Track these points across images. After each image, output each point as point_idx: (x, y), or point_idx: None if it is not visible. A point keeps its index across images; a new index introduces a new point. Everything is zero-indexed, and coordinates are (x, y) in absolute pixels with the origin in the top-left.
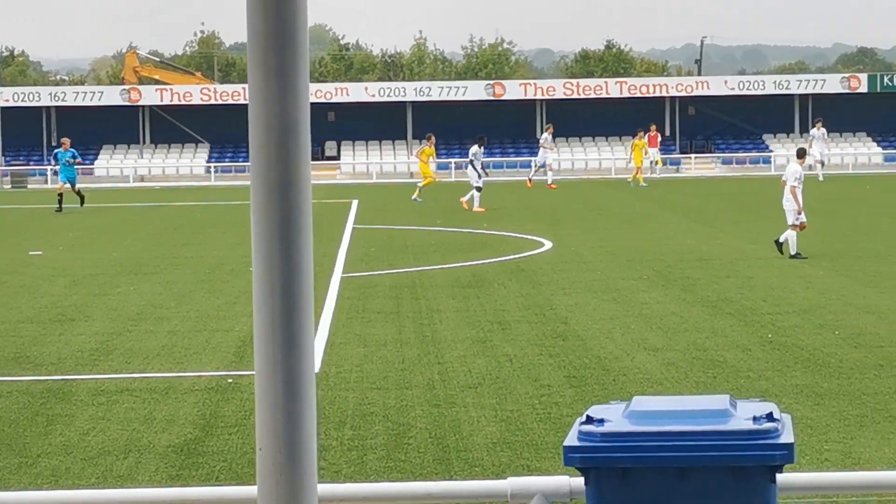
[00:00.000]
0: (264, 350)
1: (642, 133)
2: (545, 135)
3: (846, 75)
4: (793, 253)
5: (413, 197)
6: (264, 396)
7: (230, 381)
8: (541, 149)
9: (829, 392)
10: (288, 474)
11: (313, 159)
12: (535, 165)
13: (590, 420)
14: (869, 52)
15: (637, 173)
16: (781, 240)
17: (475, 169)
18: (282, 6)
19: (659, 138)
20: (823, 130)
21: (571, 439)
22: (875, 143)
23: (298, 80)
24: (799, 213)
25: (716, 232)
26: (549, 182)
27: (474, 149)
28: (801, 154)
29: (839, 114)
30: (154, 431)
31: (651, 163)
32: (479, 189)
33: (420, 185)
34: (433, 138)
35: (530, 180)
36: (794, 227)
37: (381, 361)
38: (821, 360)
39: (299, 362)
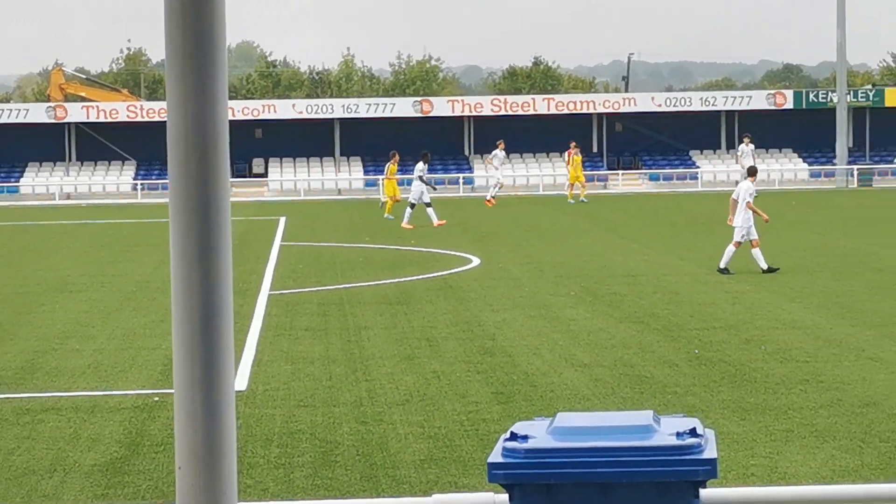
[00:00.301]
0: (183, 369)
1: (579, 148)
2: (497, 151)
3: (772, 92)
4: (722, 266)
5: (386, 216)
6: (183, 415)
7: (156, 399)
8: (491, 166)
9: (755, 407)
10: (207, 493)
11: (241, 176)
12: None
13: (514, 436)
14: (795, 69)
15: (573, 189)
16: (760, 262)
17: (422, 184)
18: (200, 24)
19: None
20: (752, 146)
21: (496, 456)
22: (801, 159)
23: (217, 99)
24: (747, 230)
25: (643, 248)
26: (489, 197)
27: (420, 165)
28: (753, 172)
29: (765, 130)
30: (80, 450)
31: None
32: (427, 205)
33: (384, 200)
34: (397, 156)
35: (491, 199)
36: (737, 244)
37: (308, 379)
38: (747, 376)
39: (218, 382)
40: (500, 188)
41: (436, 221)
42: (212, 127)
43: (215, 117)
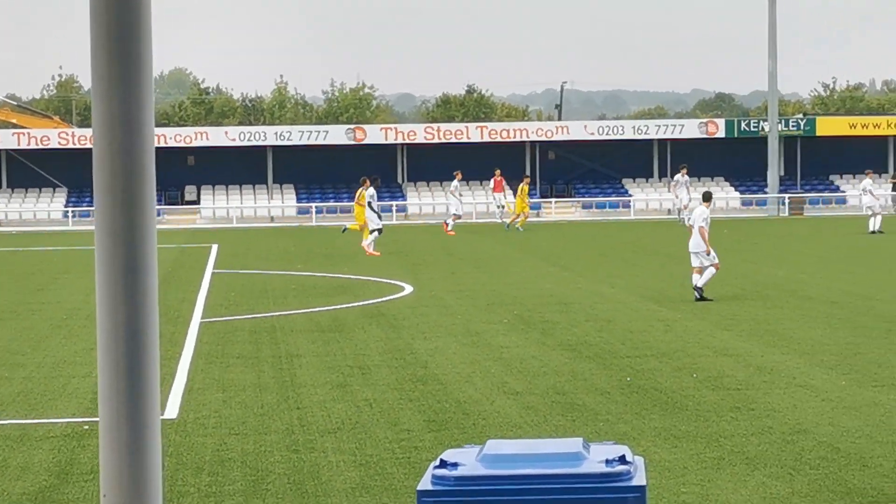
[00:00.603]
0: (108, 396)
1: (528, 178)
2: (455, 182)
3: (704, 121)
4: (697, 286)
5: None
6: (108, 443)
7: (86, 427)
8: (450, 194)
9: (686, 434)
10: None
11: (173, 204)
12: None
13: (443, 464)
14: (727, 98)
15: (515, 218)
16: (700, 284)
17: (373, 211)
18: (126, 50)
19: (503, 183)
20: (687, 177)
21: (425, 483)
22: (733, 188)
23: (144, 126)
24: (708, 254)
25: (575, 276)
26: (450, 225)
27: (370, 191)
28: (708, 197)
29: (697, 159)
30: (8, 479)
31: (498, 207)
32: (379, 231)
33: (348, 226)
34: (368, 181)
35: (446, 224)
36: (714, 265)
37: (239, 407)
38: (679, 403)
39: (144, 408)
40: (456, 218)
41: (371, 250)
42: (138, 153)
43: (141, 143)
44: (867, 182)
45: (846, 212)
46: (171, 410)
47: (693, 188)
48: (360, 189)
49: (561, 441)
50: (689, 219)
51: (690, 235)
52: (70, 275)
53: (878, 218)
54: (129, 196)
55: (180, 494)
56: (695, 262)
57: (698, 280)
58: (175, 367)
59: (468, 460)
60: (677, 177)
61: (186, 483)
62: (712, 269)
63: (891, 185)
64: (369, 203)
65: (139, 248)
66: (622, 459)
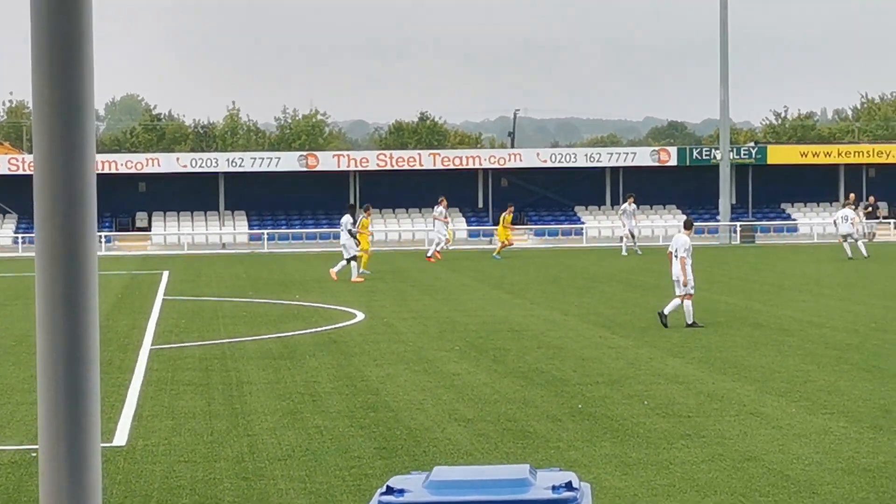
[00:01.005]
0: (47, 423)
1: (511, 207)
2: (439, 208)
3: (657, 149)
4: (689, 322)
5: (361, 271)
6: (47, 471)
7: (34, 454)
8: (436, 221)
9: (637, 462)
10: None
11: (124, 230)
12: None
13: (390, 490)
14: (679, 126)
15: (502, 247)
16: (666, 311)
17: (352, 237)
18: (68, 77)
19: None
20: (634, 206)
21: None
22: (685, 216)
23: (85, 152)
24: (685, 284)
25: (527, 303)
26: (429, 254)
27: (346, 217)
28: (689, 225)
29: (650, 186)
30: None
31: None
32: (354, 259)
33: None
34: (371, 208)
35: (436, 254)
36: (688, 296)
37: (189, 434)
38: (629, 430)
39: (83, 435)
40: (442, 244)
41: (336, 275)
42: (79, 179)
43: (83, 170)
44: (847, 211)
45: (797, 240)
46: (120, 437)
47: (645, 216)
48: (363, 216)
49: (508, 467)
50: (671, 246)
51: (671, 264)
52: (19, 301)
53: (860, 243)
54: (69, 222)
55: None
56: (683, 289)
57: (686, 309)
58: (124, 394)
59: (415, 487)
60: (624, 206)
61: None
62: (683, 300)
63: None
64: (349, 230)
65: (80, 274)
66: (569, 486)
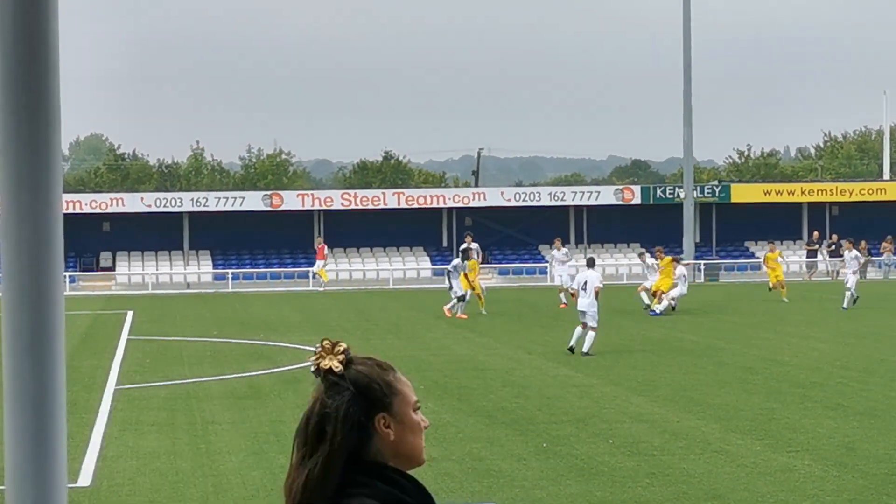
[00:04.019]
0: (13, 464)
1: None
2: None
3: (620, 187)
4: (585, 351)
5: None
6: None
7: None
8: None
9: (602, 500)
10: None
11: (88, 270)
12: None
13: None
14: (643, 165)
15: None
16: (586, 349)
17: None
18: (34, 116)
19: (325, 250)
20: (565, 249)
21: None
22: (649, 255)
23: (52, 192)
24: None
25: (492, 342)
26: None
27: (455, 261)
28: (591, 263)
29: (614, 225)
30: None
31: (311, 274)
32: (462, 299)
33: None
34: (481, 252)
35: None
36: (592, 328)
37: (154, 474)
38: (595, 469)
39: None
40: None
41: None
42: (45, 219)
43: (49, 209)
44: (856, 252)
45: (761, 278)
46: (85, 478)
47: (609, 254)
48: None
49: None
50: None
51: (577, 297)
52: None
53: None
54: (36, 262)
55: None
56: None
57: (588, 338)
58: (89, 435)
59: None
60: (553, 251)
61: None
62: (586, 330)
63: (805, 252)
64: (455, 268)
65: (46, 314)
66: None
